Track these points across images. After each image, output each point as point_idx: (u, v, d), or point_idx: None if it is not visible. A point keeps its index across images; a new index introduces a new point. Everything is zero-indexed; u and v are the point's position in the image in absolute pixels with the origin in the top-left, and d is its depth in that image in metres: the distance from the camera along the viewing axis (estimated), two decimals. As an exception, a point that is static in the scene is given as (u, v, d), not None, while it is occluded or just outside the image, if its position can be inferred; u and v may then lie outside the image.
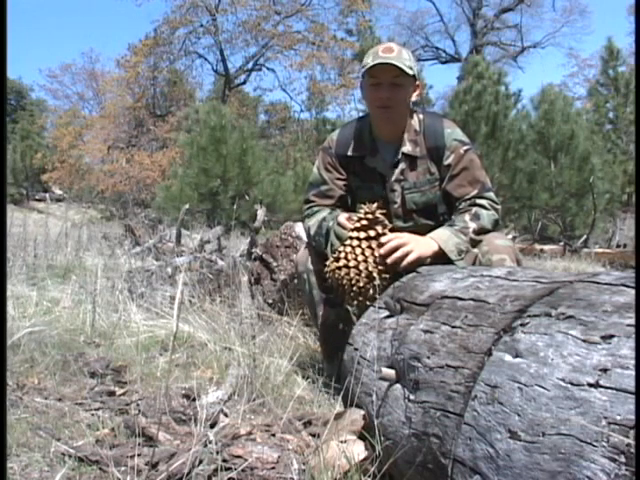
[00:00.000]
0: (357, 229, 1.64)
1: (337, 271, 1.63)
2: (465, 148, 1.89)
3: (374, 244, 1.62)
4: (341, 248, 1.66)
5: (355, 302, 1.66)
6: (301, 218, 2.13)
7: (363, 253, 1.60)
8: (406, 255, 1.65)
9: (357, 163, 1.98)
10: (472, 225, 1.78)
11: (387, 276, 1.61)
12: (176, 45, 17.74)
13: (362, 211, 1.66)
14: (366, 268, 1.59)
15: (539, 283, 1.04)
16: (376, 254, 1.61)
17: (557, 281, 1.01)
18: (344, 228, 1.73)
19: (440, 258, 1.70)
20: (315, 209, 1.99)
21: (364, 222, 1.64)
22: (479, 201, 1.84)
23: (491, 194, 1.88)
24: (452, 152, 1.88)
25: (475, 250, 1.78)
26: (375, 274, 1.58)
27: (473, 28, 23.95)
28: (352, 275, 1.59)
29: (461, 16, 24.66)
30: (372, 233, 1.62)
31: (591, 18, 37.75)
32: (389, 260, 1.63)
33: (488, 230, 1.81)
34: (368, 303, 1.61)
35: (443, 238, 1.73)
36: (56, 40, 48.69)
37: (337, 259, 1.64)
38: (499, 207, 1.89)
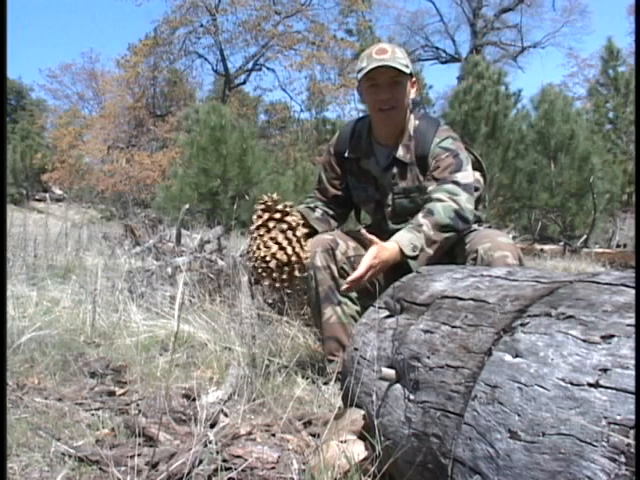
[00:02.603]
0: (257, 228, 1.74)
1: (253, 264, 1.76)
2: (446, 154, 1.86)
3: (274, 231, 1.71)
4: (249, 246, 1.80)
5: (275, 284, 1.75)
6: None
7: (264, 240, 1.71)
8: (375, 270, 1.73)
9: (354, 164, 2.01)
10: (424, 221, 1.75)
11: (290, 248, 1.70)
12: (176, 45, 17.75)
13: (258, 207, 1.76)
14: (271, 254, 1.69)
15: (539, 283, 1.04)
16: (280, 239, 1.70)
17: (557, 281, 1.01)
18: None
19: (401, 259, 1.75)
20: (308, 200, 2.14)
21: (265, 215, 1.73)
22: (434, 195, 1.81)
23: (450, 186, 1.80)
24: (434, 159, 1.87)
25: (429, 251, 1.75)
26: (278, 256, 1.69)
27: (473, 28, 23.95)
28: (258, 263, 1.71)
29: (461, 16, 24.68)
30: (271, 224, 1.72)
31: (591, 18, 37.66)
32: (353, 274, 1.74)
33: (447, 225, 1.75)
34: (298, 274, 1.74)
35: (397, 237, 1.76)
36: (56, 40, 48.75)
37: (251, 253, 1.76)
38: (461, 197, 1.79)
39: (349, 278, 1.75)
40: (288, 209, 1.75)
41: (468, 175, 1.86)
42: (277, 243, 1.70)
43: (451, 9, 41.44)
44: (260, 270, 1.72)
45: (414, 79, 1.92)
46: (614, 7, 44.25)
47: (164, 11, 26.25)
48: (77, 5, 47.05)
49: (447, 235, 1.76)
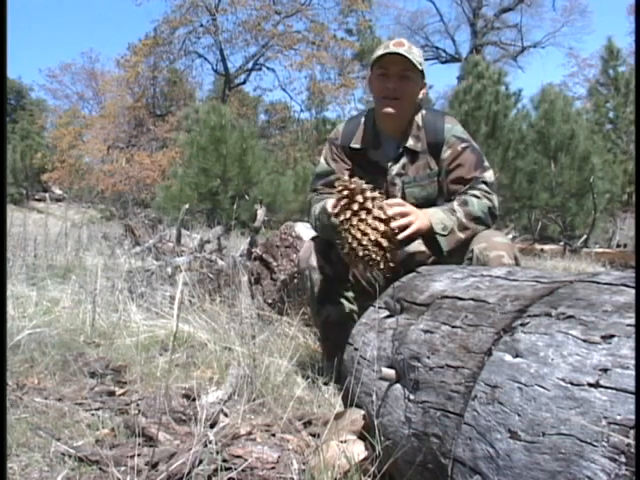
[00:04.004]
0: (341, 211, 1.62)
1: (349, 257, 1.62)
2: (463, 145, 1.89)
3: (363, 214, 1.59)
4: (338, 236, 1.65)
5: (384, 270, 1.63)
6: (306, 205, 2.13)
7: (359, 229, 1.58)
8: (408, 225, 1.67)
9: (361, 155, 2.00)
10: (459, 209, 1.79)
11: (391, 238, 1.60)
12: (176, 45, 17.76)
13: (337, 190, 1.63)
14: (369, 239, 1.57)
15: (539, 283, 1.04)
16: (370, 221, 1.58)
17: (557, 281, 1.01)
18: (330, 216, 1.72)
19: (429, 235, 1.74)
20: (325, 195, 1.97)
21: (344, 201, 1.61)
22: (470, 191, 1.84)
23: (483, 186, 1.86)
24: (449, 147, 1.89)
25: (461, 235, 1.76)
26: (379, 239, 1.57)
27: (473, 28, 23.95)
28: (362, 253, 1.57)
29: (461, 16, 24.68)
30: (355, 207, 1.59)
31: (591, 18, 37.53)
32: (393, 224, 1.63)
33: (479, 217, 1.80)
34: (392, 265, 1.61)
35: (431, 212, 1.77)
36: (56, 40, 48.65)
37: (342, 248, 1.64)
38: (493, 197, 1.86)
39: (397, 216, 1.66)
40: (368, 195, 1.60)
41: (492, 174, 1.92)
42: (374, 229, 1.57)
43: (451, 9, 41.60)
44: (383, 257, 1.58)
45: (425, 80, 1.93)
46: (614, 7, 44.24)
47: (164, 11, 26.24)
48: (77, 5, 47.03)
49: (477, 227, 1.80)
